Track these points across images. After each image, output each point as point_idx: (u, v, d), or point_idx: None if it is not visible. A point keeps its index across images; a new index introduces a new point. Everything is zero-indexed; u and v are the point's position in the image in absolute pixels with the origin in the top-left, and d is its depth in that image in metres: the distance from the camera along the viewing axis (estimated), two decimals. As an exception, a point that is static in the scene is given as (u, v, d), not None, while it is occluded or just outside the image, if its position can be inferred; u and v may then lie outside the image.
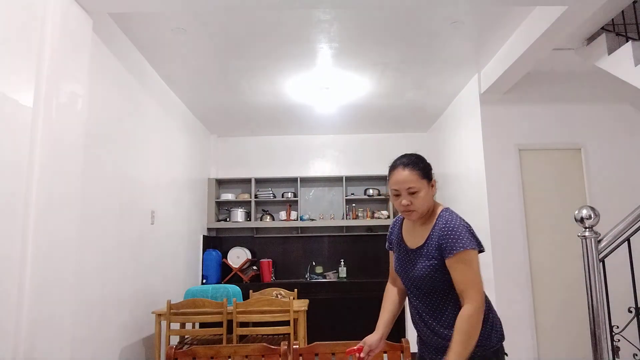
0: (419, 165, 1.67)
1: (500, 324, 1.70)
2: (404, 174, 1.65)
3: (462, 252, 1.57)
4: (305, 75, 4.24)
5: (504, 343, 1.69)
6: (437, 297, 1.67)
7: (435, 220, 1.69)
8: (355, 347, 1.74)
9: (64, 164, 2.32)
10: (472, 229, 1.64)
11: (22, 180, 2.05)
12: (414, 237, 1.75)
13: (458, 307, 1.62)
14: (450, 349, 1.49)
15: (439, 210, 1.71)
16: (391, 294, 1.90)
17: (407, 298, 1.84)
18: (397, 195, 1.67)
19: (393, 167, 1.70)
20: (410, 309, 1.81)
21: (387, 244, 1.94)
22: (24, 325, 2.02)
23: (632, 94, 4.24)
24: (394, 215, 5.93)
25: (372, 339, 1.76)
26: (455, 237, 1.59)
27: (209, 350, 1.92)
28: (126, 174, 3.39)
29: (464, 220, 1.66)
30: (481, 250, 1.62)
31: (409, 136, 6.26)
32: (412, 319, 1.81)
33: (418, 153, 1.74)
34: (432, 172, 1.72)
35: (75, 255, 2.42)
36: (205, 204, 5.79)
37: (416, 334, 1.83)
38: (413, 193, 1.64)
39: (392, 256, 1.90)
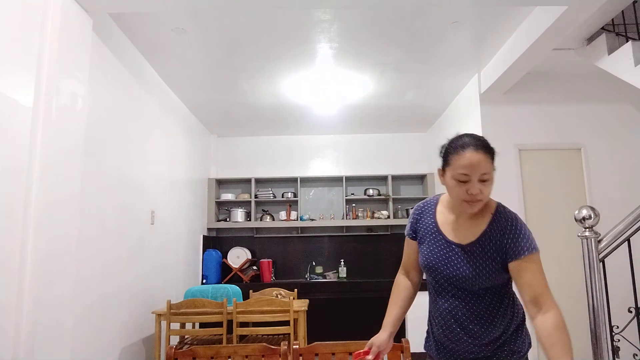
0: (491, 149, 1.45)
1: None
2: (479, 157, 1.39)
3: (533, 254, 1.41)
4: (305, 75, 4.24)
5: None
6: (487, 299, 1.50)
7: (491, 215, 1.50)
8: (362, 351, 1.61)
9: (64, 164, 2.31)
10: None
11: (22, 180, 2.05)
12: (458, 230, 1.54)
13: (507, 310, 1.50)
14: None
15: (493, 204, 1.52)
16: (403, 287, 1.71)
17: (435, 297, 1.61)
18: (464, 182, 1.42)
19: (462, 147, 1.42)
20: (440, 311, 1.58)
21: (408, 231, 1.70)
22: (23, 325, 2.02)
23: (632, 94, 4.24)
24: (394, 216, 5.94)
25: (379, 338, 1.61)
26: (524, 238, 1.42)
27: (209, 350, 1.92)
28: (126, 174, 3.39)
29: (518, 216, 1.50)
30: None
31: (409, 136, 6.26)
32: (440, 321, 1.57)
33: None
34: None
35: (75, 256, 2.42)
36: (205, 204, 5.78)
37: (433, 339, 1.64)
38: (485, 181, 1.42)
39: (411, 246, 1.70)
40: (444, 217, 1.59)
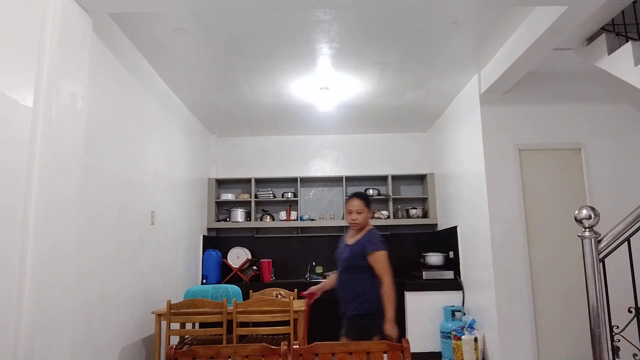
0: (364, 196, 3.04)
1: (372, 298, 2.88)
2: (355, 201, 3.02)
3: (376, 252, 2.86)
4: (305, 75, 4.24)
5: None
6: (351, 273, 2.96)
7: (365, 232, 2.98)
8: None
9: (64, 164, 2.32)
10: (382, 239, 2.91)
11: (22, 180, 2.05)
12: (350, 238, 3.07)
13: (367, 280, 2.90)
14: (385, 308, 2.82)
15: (368, 227, 3.01)
16: None
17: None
18: (349, 213, 3.03)
19: (349, 197, 3.06)
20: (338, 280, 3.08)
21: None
22: (24, 325, 2.02)
23: (632, 94, 4.24)
24: (394, 216, 5.94)
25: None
26: (373, 244, 2.89)
27: (209, 350, 1.92)
28: (126, 174, 3.39)
29: (378, 234, 2.95)
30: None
31: (409, 136, 6.26)
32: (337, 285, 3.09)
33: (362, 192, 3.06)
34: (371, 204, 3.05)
35: (75, 256, 2.42)
36: (205, 204, 5.78)
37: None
38: (360, 213, 2.99)
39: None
40: (349, 233, 3.15)
